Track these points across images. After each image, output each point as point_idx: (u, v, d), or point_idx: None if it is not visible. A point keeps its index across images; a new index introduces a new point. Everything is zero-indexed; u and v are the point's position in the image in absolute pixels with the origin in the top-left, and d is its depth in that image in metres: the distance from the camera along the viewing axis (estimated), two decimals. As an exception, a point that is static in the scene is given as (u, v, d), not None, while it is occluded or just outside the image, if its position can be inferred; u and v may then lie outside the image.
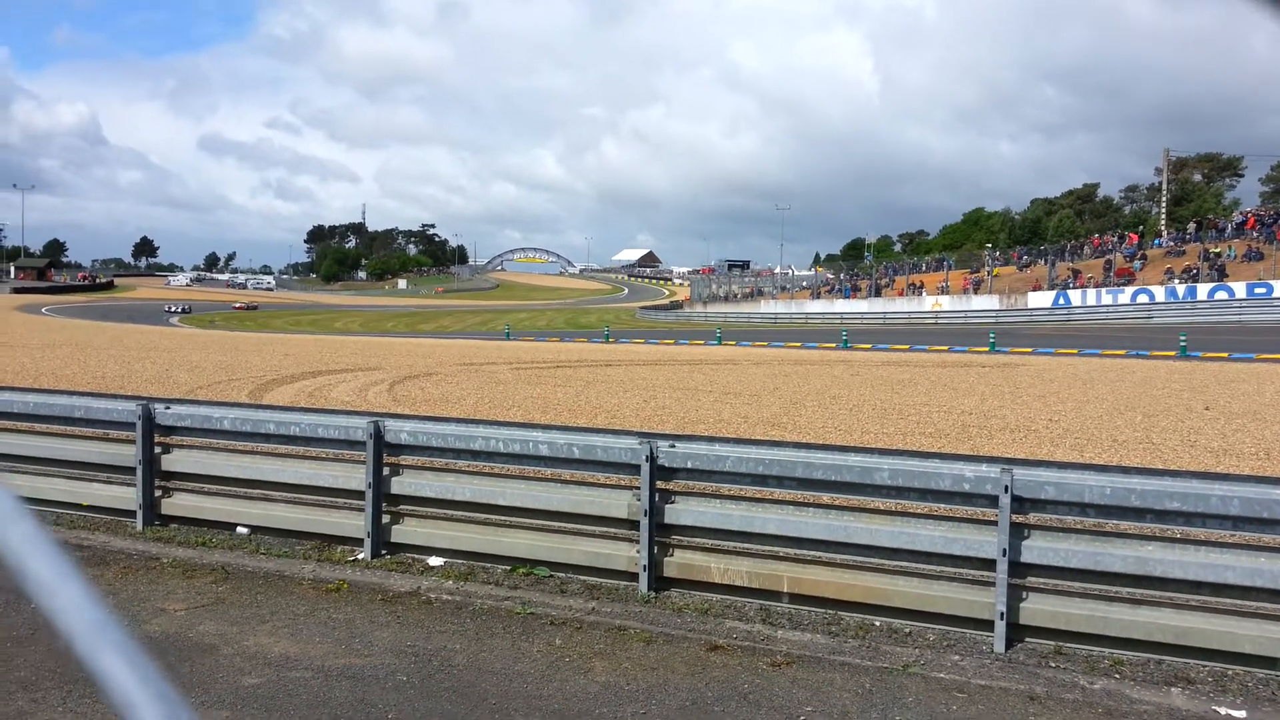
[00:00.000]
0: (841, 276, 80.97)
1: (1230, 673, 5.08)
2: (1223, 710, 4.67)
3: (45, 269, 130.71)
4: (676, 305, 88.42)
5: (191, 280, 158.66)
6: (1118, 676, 5.09)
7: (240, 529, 7.71)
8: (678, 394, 18.17)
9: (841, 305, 66.74)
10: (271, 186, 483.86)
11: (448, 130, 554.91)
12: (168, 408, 7.94)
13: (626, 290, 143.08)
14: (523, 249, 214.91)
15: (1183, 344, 30.25)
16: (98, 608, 0.67)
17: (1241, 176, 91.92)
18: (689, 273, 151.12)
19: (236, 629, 5.66)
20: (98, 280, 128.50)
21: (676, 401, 16.72)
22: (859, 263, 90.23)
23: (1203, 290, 47.83)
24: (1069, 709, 4.69)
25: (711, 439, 6.70)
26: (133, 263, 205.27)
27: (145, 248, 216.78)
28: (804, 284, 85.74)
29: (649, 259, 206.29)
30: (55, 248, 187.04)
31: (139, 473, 7.79)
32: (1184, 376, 21.98)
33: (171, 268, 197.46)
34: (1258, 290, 45.54)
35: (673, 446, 6.37)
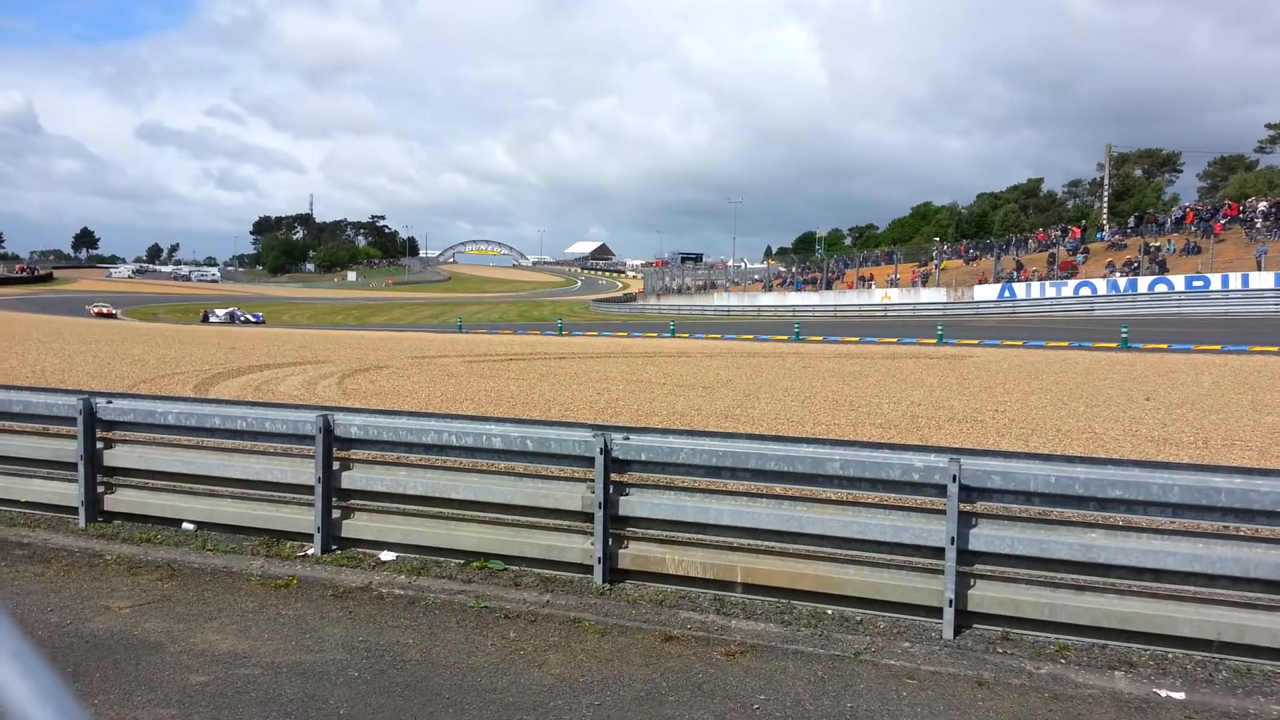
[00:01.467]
0: (793, 270, 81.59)
1: (1171, 656, 5.21)
2: (1163, 692, 4.79)
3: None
4: (630, 298, 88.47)
5: (133, 272, 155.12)
6: (1063, 661, 5.20)
7: (186, 525, 7.57)
8: (631, 386, 18.17)
9: (793, 298, 67.24)
10: (214, 176, 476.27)
11: (396, 120, 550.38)
12: (110, 402, 7.76)
13: (580, 283, 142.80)
14: (475, 241, 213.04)
15: (1124, 336, 30.96)
16: None
17: (1180, 172, 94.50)
18: (642, 266, 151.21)
19: (183, 626, 5.56)
20: (36, 272, 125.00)
21: (630, 394, 16.73)
22: (810, 256, 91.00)
23: (1143, 283, 48.95)
24: (1016, 694, 4.78)
25: (666, 431, 6.72)
26: (73, 254, 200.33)
27: (85, 239, 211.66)
28: (756, 277, 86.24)
29: (602, 252, 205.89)
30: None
31: (81, 468, 7.61)
32: (1125, 368, 22.49)
33: (113, 259, 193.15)
34: (1196, 283, 46.71)
35: (627, 439, 6.38)
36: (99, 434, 7.73)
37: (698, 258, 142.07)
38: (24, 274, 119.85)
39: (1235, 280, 45.05)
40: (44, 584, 6.29)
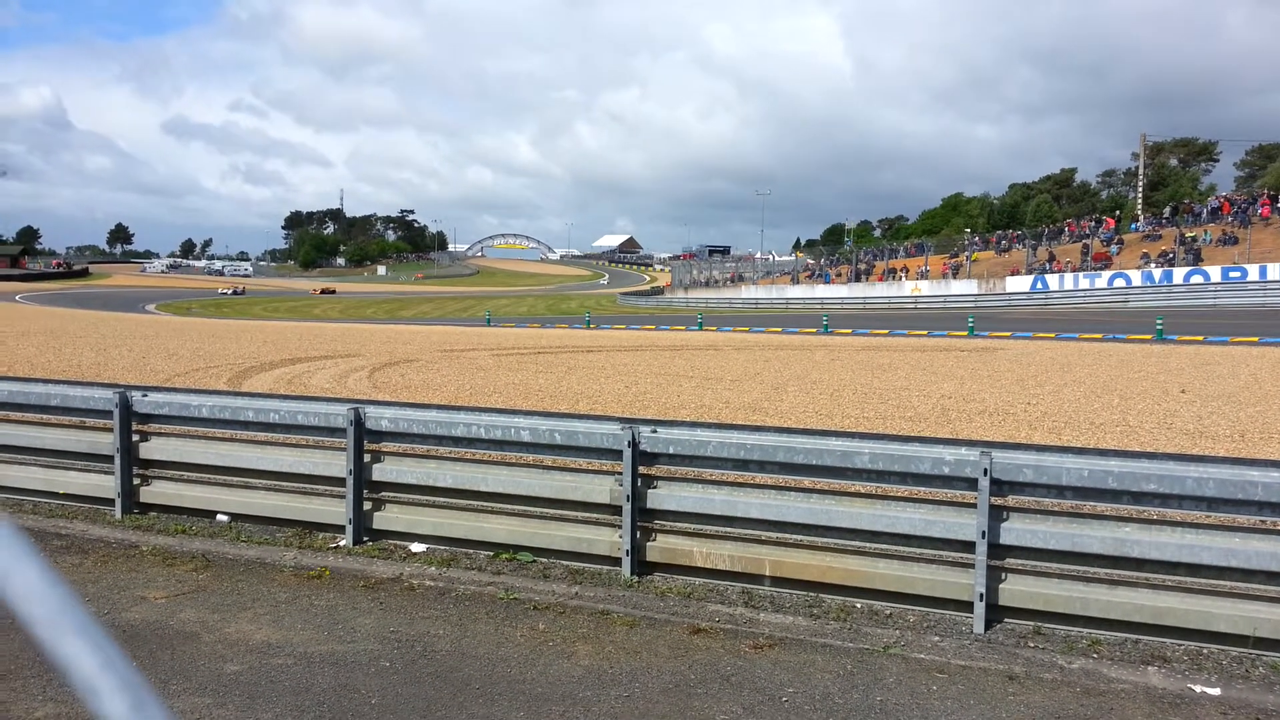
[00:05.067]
0: (822, 262, 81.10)
1: (1206, 651, 5.15)
2: (1198, 688, 4.73)
3: (19, 256, 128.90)
4: (658, 291, 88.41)
5: (167, 267, 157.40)
6: (1095, 656, 5.15)
7: (220, 516, 7.67)
8: (659, 380, 18.17)
9: (822, 290, 66.86)
10: (241, 171, 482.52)
11: (419, 113, 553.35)
12: (145, 395, 7.87)
13: (607, 276, 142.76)
14: (502, 235, 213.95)
15: (1159, 327, 30.52)
16: (59, 591, 0.66)
17: (1216, 161, 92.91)
18: (670, 258, 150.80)
19: (218, 616, 5.64)
20: (72, 268, 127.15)
21: (658, 387, 16.73)
22: (839, 248, 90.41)
23: (1178, 274, 48.20)
24: (1047, 688, 4.74)
25: (693, 424, 6.71)
26: (108, 249, 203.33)
27: (120, 234, 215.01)
28: (784, 269, 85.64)
29: (629, 245, 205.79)
30: (29, 235, 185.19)
31: (117, 460, 7.72)
32: (1160, 360, 22.19)
33: (147, 255, 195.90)
34: (1232, 274, 45.94)
35: (655, 431, 6.38)
36: (135, 427, 7.85)
37: (725, 250, 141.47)
38: (60, 269, 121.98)
39: (1273, 271, 44.23)
40: (81, 574, 6.40)
